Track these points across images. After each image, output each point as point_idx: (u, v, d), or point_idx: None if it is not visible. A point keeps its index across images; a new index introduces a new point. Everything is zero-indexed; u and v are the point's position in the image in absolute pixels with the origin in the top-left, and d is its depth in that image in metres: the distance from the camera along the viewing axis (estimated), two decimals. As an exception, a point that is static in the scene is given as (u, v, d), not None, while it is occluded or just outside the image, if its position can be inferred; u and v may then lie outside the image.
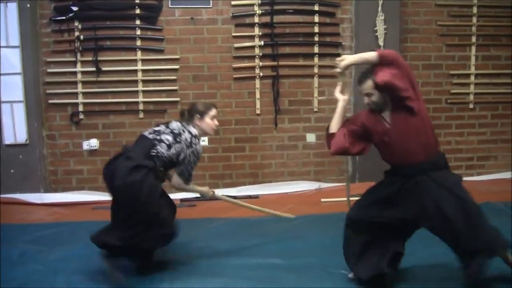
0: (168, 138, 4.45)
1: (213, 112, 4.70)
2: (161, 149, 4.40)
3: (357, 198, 4.41)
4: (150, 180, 4.26)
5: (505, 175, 7.70)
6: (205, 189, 4.95)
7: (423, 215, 4.06)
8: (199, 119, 4.65)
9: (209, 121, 4.68)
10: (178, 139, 4.46)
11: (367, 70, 4.12)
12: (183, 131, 4.52)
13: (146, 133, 4.55)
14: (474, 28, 7.58)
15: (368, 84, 4.08)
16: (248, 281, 4.38)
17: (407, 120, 4.09)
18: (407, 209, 4.13)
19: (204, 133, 4.72)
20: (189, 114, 4.70)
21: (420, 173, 4.10)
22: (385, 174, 4.38)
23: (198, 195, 5.21)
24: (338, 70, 4.22)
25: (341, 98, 4.33)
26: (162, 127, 4.57)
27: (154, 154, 4.37)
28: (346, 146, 4.21)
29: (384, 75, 3.97)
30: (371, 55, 4.05)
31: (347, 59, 4.16)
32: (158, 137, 4.46)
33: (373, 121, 4.20)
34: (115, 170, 4.27)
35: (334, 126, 4.28)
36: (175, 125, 4.59)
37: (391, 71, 3.97)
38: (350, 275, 4.42)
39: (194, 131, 4.57)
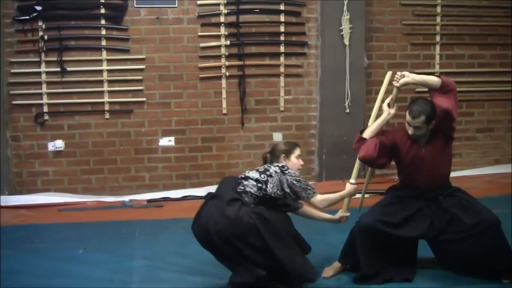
0: (254, 174, 4.27)
1: (298, 151, 4.52)
2: (248, 183, 4.20)
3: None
4: (246, 210, 4.04)
5: (470, 172, 7.83)
6: (336, 216, 4.62)
7: (450, 228, 4.27)
8: (285, 158, 4.45)
9: (295, 160, 4.47)
10: (268, 173, 4.24)
11: (421, 107, 4.17)
12: (269, 167, 4.33)
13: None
14: (438, 27, 7.68)
15: (421, 119, 4.16)
16: (221, 279, 4.39)
17: (442, 149, 4.30)
18: (430, 224, 4.32)
19: None
20: (273, 155, 4.51)
21: (440, 195, 4.33)
22: (394, 189, 4.60)
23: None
24: (396, 84, 4.27)
25: (387, 111, 4.36)
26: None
27: (241, 190, 4.17)
28: (374, 156, 4.27)
29: (445, 103, 4.10)
30: (434, 80, 4.16)
31: (409, 77, 4.24)
32: (243, 175, 4.32)
33: (406, 143, 4.32)
34: (206, 219, 4.07)
35: (369, 133, 4.33)
36: (258, 167, 4.41)
37: (450, 100, 4.12)
38: (324, 273, 4.53)
39: (280, 163, 4.40)
